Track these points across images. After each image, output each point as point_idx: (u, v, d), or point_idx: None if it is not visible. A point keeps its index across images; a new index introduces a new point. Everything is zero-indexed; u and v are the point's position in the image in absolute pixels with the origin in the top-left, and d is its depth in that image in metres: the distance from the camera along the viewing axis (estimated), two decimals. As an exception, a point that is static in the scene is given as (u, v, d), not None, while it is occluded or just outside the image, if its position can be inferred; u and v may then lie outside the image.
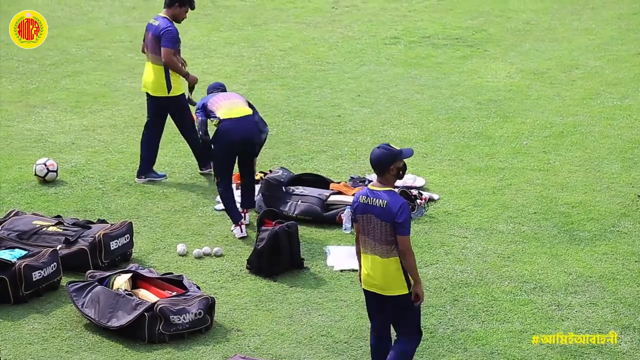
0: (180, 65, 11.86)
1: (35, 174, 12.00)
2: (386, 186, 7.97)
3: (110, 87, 15.33)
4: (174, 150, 12.89)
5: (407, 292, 8.03)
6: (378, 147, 7.99)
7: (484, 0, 20.27)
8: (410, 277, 7.99)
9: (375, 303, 8.17)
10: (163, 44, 11.76)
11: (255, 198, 11.36)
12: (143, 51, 12.24)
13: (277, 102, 14.74)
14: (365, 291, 8.20)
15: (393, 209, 7.85)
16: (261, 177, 11.59)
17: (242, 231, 10.83)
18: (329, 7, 19.74)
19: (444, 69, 16.29)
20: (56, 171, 12.04)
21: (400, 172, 8.01)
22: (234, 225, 10.85)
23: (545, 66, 16.36)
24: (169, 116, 12.17)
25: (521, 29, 18.43)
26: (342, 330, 9.16)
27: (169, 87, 11.93)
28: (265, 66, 16.40)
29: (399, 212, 7.84)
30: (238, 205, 11.00)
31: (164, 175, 12.20)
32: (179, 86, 11.96)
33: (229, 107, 10.80)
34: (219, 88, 11.25)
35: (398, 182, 11.86)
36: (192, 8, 12.08)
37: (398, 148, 8.02)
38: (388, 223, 7.88)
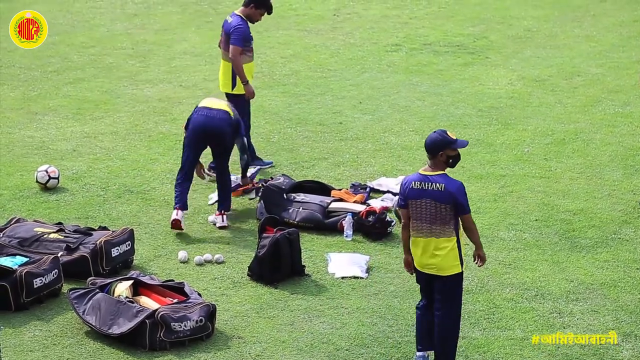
0: (242, 67, 11.95)
1: (37, 181, 12.00)
2: (437, 170, 8.24)
3: (112, 94, 15.34)
4: (175, 157, 12.89)
5: (460, 271, 8.38)
6: (434, 132, 8.29)
7: (485, 7, 20.29)
8: (463, 256, 8.40)
9: (428, 282, 8.50)
10: (231, 42, 11.94)
11: (257, 205, 11.41)
12: (219, 46, 12.45)
13: (279, 109, 14.74)
14: (418, 271, 8.50)
15: (452, 191, 8.18)
16: (262, 185, 11.60)
17: (176, 214, 10.89)
18: (330, 15, 19.75)
19: (445, 76, 16.30)
20: (57, 178, 12.04)
21: (451, 161, 8.30)
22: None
23: (546, 73, 16.36)
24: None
25: (522, 36, 18.44)
26: (344, 338, 9.15)
27: (233, 84, 12.14)
28: (267, 73, 16.40)
29: (458, 193, 8.19)
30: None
31: (271, 163, 12.49)
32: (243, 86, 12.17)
33: (209, 101, 11.18)
34: None
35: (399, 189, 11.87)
36: (269, 12, 12.17)
37: (454, 137, 8.27)
38: (447, 205, 8.18)
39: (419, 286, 8.65)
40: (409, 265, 8.63)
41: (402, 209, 8.44)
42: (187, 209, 11.08)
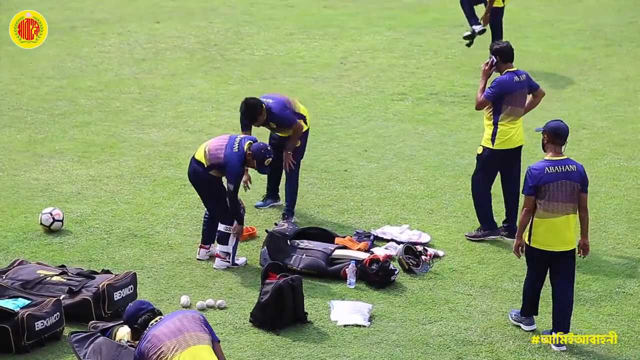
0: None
1: (41, 223, 12.01)
2: (563, 155, 9.58)
3: (118, 138, 15.39)
4: (180, 201, 12.90)
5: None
6: (557, 122, 9.67)
7: (491, 58, 20.34)
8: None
9: (545, 261, 9.60)
10: None
11: (260, 251, 11.41)
12: None
13: (284, 156, 14.73)
14: (541, 251, 9.54)
15: (582, 170, 9.57)
16: (266, 230, 11.60)
17: (198, 253, 11.52)
18: (337, 63, 19.83)
19: (450, 125, 16.33)
20: (62, 220, 12.05)
21: None
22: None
23: (552, 125, 16.36)
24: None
25: (528, 88, 18.46)
26: (345, 386, 9.10)
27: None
28: (273, 120, 16.42)
29: (584, 172, 9.58)
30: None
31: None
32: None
33: (198, 150, 11.36)
34: None
35: (403, 238, 11.87)
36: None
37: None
38: (578, 183, 9.51)
39: (536, 267, 9.65)
40: (520, 249, 9.69)
41: (529, 196, 9.49)
42: (210, 243, 11.52)
